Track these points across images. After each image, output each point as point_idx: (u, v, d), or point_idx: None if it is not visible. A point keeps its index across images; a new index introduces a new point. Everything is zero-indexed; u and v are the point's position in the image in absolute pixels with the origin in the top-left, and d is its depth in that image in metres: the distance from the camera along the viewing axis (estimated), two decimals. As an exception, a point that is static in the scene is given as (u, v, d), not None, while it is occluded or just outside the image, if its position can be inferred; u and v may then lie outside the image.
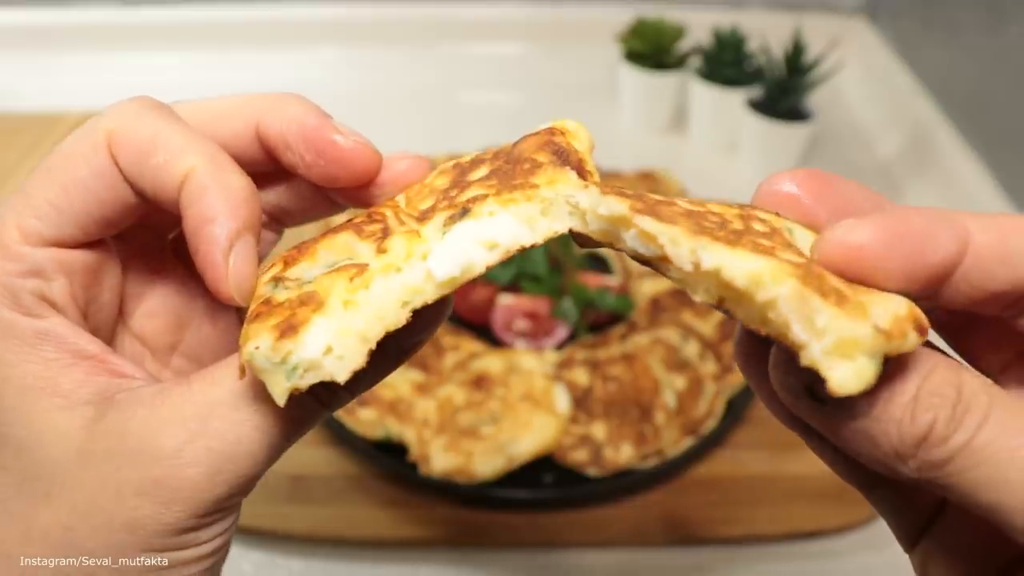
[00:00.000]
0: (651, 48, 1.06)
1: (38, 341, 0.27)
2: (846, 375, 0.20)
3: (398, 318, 0.25)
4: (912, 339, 0.21)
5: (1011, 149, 0.88)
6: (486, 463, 0.63)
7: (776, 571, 0.62)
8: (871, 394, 0.21)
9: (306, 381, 0.23)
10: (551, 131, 0.29)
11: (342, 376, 0.24)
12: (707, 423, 0.67)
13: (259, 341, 0.24)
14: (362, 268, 0.25)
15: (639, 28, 1.06)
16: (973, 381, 0.21)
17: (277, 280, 0.26)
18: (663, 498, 0.65)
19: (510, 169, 0.27)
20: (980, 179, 0.90)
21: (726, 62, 1.02)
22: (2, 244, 0.27)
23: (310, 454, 0.67)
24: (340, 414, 0.68)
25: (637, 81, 1.08)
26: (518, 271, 0.80)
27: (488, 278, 0.80)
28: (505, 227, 0.26)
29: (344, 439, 0.67)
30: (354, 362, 0.24)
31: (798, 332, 0.21)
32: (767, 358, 0.25)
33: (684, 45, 1.07)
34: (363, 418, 0.67)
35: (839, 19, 1.24)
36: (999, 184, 0.88)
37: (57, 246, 0.27)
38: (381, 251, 0.26)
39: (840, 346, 0.20)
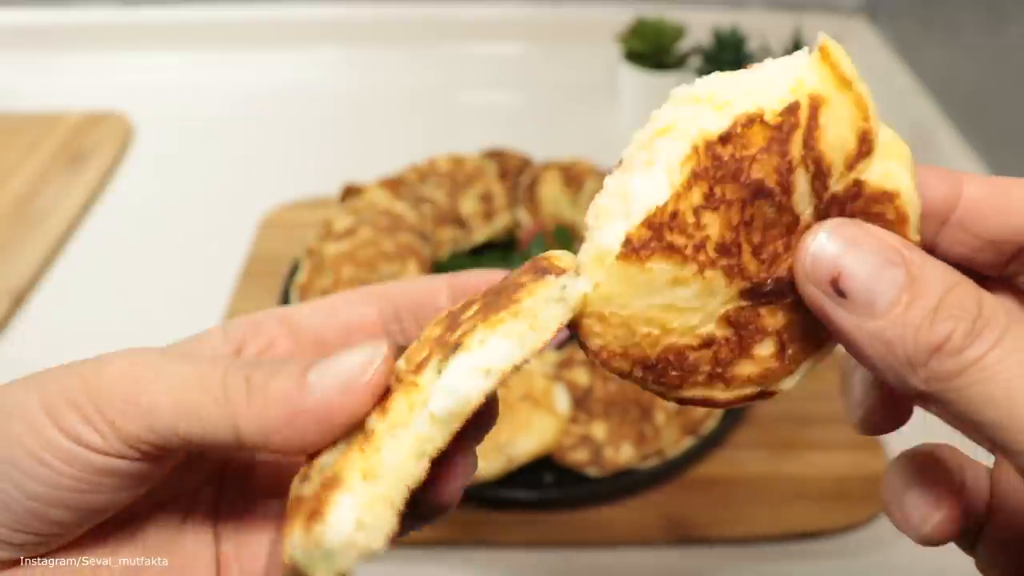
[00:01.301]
0: (651, 48, 1.06)
1: None
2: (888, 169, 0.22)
3: (417, 472, 0.24)
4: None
5: (1011, 149, 0.88)
6: (486, 463, 0.63)
7: (776, 571, 0.62)
8: (893, 297, 0.21)
9: (347, 561, 0.23)
10: (536, 258, 0.28)
11: (379, 544, 0.24)
12: (707, 423, 0.67)
13: (293, 537, 0.24)
14: (369, 434, 0.25)
15: (639, 28, 1.06)
16: (994, 301, 0.22)
17: (303, 477, 0.26)
18: (663, 498, 0.65)
19: (496, 299, 0.26)
20: (980, 179, 0.90)
21: (726, 62, 1.02)
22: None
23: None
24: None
25: (637, 81, 1.08)
26: (518, 271, 0.80)
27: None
28: (496, 350, 0.25)
29: (344, 439, 0.67)
30: (387, 527, 0.24)
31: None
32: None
33: (684, 45, 1.07)
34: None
35: (839, 19, 1.24)
36: (999, 184, 0.88)
37: None
38: (384, 412, 0.25)
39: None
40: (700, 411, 0.68)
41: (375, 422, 0.25)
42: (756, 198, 0.23)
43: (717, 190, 0.23)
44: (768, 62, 0.24)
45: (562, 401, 0.67)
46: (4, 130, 1.10)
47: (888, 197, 0.23)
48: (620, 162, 0.26)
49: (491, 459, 0.63)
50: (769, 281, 0.24)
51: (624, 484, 0.65)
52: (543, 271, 0.26)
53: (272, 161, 1.08)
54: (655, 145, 0.25)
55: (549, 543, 0.63)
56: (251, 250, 0.90)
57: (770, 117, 0.23)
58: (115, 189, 1.02)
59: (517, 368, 0.25)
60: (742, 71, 0.24)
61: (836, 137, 0.23)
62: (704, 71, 1.04)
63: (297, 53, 1.28)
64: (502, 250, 0.86)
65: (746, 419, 0.71)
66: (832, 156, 0.23)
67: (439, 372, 0.25)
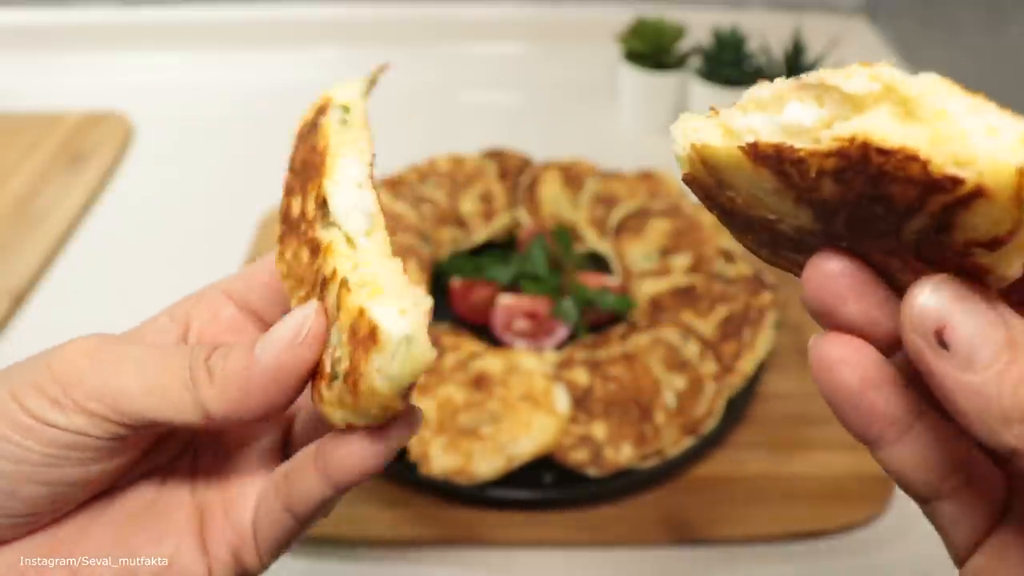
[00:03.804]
0: (651, 48, 1.06)
1: None
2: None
3: (397, 265, 0.28)
4: None
5: (1011, 149, 0.88)
6: (486, 463, 0.63)
7: (776, 571, 0.62)
8: (994, 354, 0.22)
9: (424, 343, 0.25)
10: (314, 111, 0.34)
11: (428, 303, 0.26)
12: (707, 423, 0.67)
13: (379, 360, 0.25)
14: (343, 283, 0.28)
15: (639, 28, 1.06)
16: None
17: (327, 384, 0.28)
18: (663, 498, 0.65)
19: (311, 156, 0.32)
20: (980, 179, 0.90)
21: (726, 62, 1.02)
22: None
23: (310, 454, 0.67)
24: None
25: (637, 81, 1.08)
26: (518, 271, 0.80)
27: (488, 278, 0.80)
28: (349, 166, 0.30)
29: (344, 439, 0.67)
30: (425, 301, 0.26)
31: (972, 139, 0.21)
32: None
33: (684, 45, 1.07)
34: (363, 418, 0.67)
35: (839, 19, 1.24)
36: (999, 184, 0.88)
37: None
38: (329, 273, 0.29)
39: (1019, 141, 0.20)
40: (700, 411, 0.68)
41: (330, 298, 0.28)
42: (874, 203, 0.23)
43: (848, 175, 0.23)
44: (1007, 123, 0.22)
45: (562, 401, 0.67)
46: (4, 130, 1.10)
47: (984, 271, 0.23)
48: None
49: (491, 459, 0.63)
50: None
51: (624, 484, 0.65)
52: (322, 111, 0.32)
53: (272, 161, 1.07)
54: (864, 99, 0.24)
55: (549, 543, 0.63)
56: (251, 250, 0.90)
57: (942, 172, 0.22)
58: (115, 189, 1.02)
59: (372, 167, 0.31)
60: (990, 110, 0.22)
61: (982, 217, 0.22)
62: (704, 71, 1.04)
63: (297, 53, 1.28)
64: (502, 250, 0.86)
65: (746, 419, 0.71)
66: (964, 223, 0.22)
67: (328, 216, 0.29)
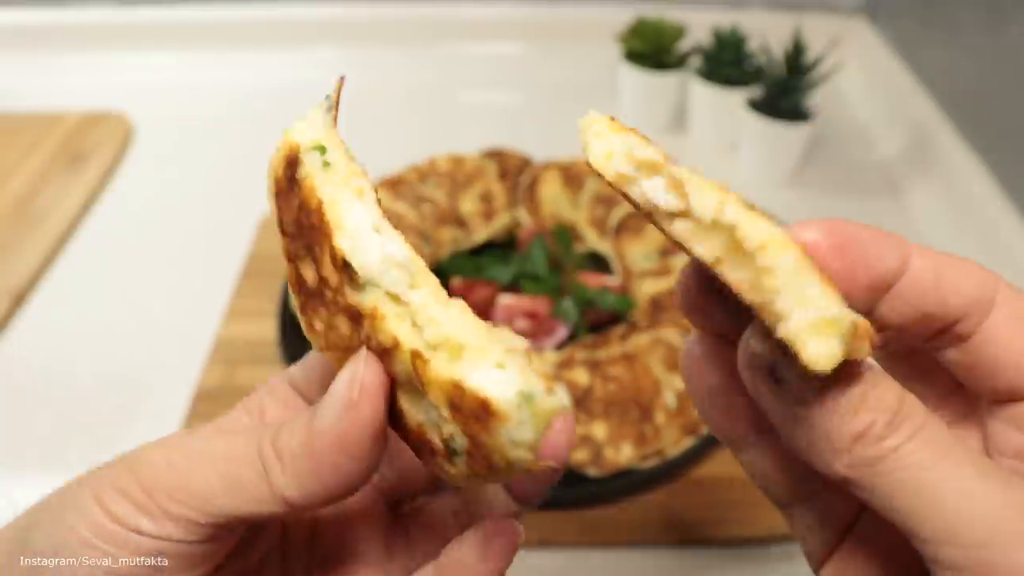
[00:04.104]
0: (651, 48, 1.06)
1: None
2: (819, 351, 0.21)
3: (460, 308, 0.25)
4: (866, 348, 0.22)
5: (1011, 149, 0.88)
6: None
7: (776, 571, 0.62)
8: (825, 387, 0.23)
9: (545, 399, 0.22)
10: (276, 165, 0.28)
11: (522, 343, 0.23)
12: (707, 423, 0.67)
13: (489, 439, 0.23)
14: (415, 354, 0.24)
15: (639, 28, 1.06)
16: (913, 400, 0.24)
17: (444, 457, 0.26)
18: (663, 498, 0.65)
19: (308, 220, 0.27)
20: (980, 179, 0.90)
21: (726, 62, 1.02)
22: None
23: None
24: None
25: (637, 81, 1.08)
26: (518, 271, 0.80)
27: (488, 278, 0.80)
28: (355, 213, 0.26)
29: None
30: (515, 340, 0.24)
31: (784, 302, 0.21)
32: (724, 352, 0.27)
33: (684, 45, 1.07)
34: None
35: (839, 19, 1.24)
36: (999, 184, 0.88)
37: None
38: (389, 350, 0.25)
39: (820, 324, 0.21)
40: (700, 411, 0.68)
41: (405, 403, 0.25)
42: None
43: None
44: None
45: (562, 401, 0.67)
46: (4, 130, 1.10)
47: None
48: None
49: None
50: None
51: (624, 484, 0.65)
52: (293, 163, 0.27)
53: (272, 161, 1.08)
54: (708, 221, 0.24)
55: (549, 543, 0.63)
56: (251, 250, 0.90)
57: None
58: (115, 189, 1.02)
59: (378, 200, 0.26)
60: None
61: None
62: (704, 71, 1.04)
63: (296, 53, 1.28)
64: (502, 250, 0.86)
65: (746, 419, 0.71)
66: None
67: (357, 277, 0.25)
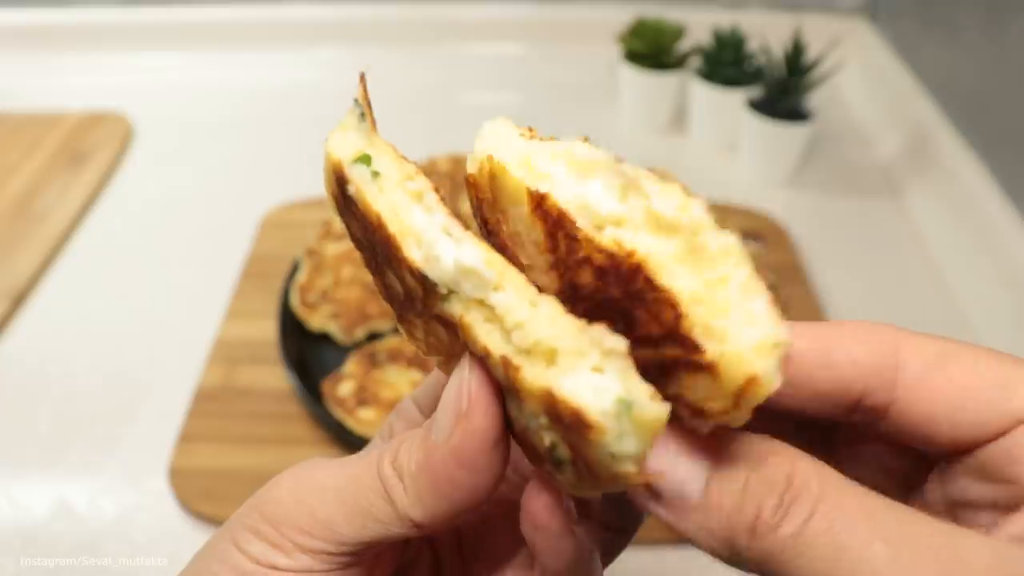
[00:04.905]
0: (651, 48, 1.06)
1: None
2: (766, 369, 0.20)
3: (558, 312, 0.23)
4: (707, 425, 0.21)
5: (1011, 149, 0.88)
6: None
7: (776, 571, 0.62)
8: (700, 487, 0.21)
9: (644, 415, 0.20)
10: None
11: (620, 342, 0.21)
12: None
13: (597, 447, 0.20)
14: (505, 362, 0.22)
15: (639, 28, 1.06)
16: (807, 467, 0.21)
17: (550, 467, 0.24)
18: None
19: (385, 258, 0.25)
20: (980, 179, 0.90)
21: (726, 62, 1.02)
22: None
23: (310, 454, 0.67)
24: (340, 414, 0.68)
25: (637, 81, 1.08)
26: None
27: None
28: (450, 247, 0.24)
29: (344, 439, 0.67)
30: (612, 340, 0.21)
31: (732, 323, 0.21)
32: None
33: (684, 45, 1.07)
34: (363, 418, 0.67)
35: (839, 19, 1.24)
36: (999, 184, 0.88)
37: None
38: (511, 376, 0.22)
39: (762, 346, 0.20)
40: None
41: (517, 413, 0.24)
42: (618, 314, 0.23)
43: (610, 278, 0.23)
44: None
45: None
46: (4, 130, 1.10)
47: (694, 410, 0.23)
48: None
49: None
50: None
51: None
52: (341, 181, 0.25)
53: (272, 161, 1.08)
54: (664, 220, 0.22)
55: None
56: (251, 250, 0.90)
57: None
58: (115, 189, 1.02)
59: (439, 195, 0.24)
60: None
61: (701, 389, 0.22)
62: (704, 71, 1.04)
63: (297, 53, 1.28)
64: (502, 250, 0.86)
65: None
66: (684, 380, 0.22)
67: (438, 287, 0.23)
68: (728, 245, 0.21)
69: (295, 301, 0.78)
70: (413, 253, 0.23)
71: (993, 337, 0.81)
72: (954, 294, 0.87)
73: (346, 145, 0.25)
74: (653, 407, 0.20)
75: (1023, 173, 0.85)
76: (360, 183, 0.24)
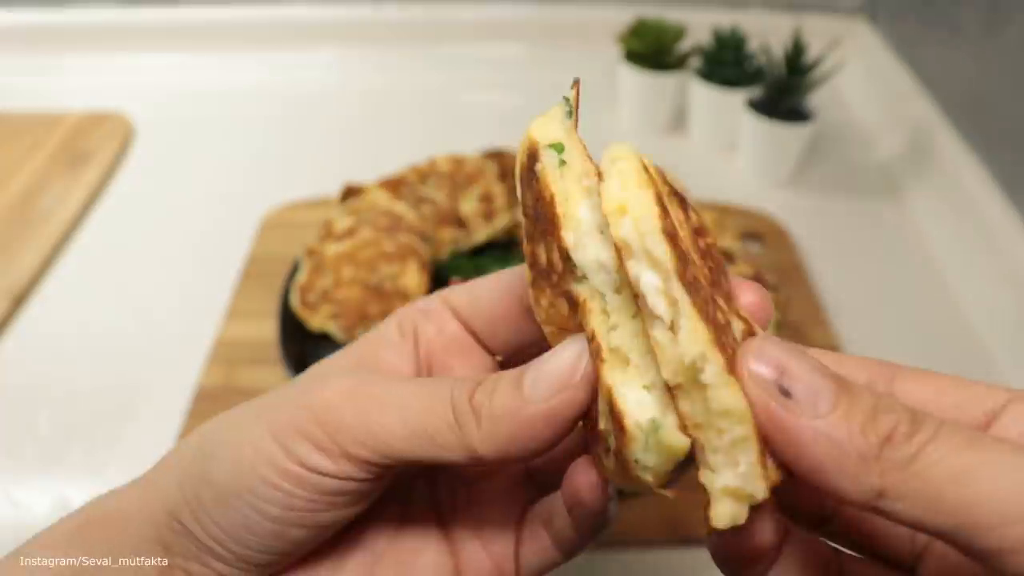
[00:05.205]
0: (651, 48, 1.06)
1: None
2: (724, 512, 0.24)
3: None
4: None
5: (1011, 149, 0.88)
6: (486, 463, 0.63)
7: (776, 571, 0.62)
8: (834, 398, 0.22)
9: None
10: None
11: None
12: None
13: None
14: (597, 350, 0.26)
15: (639, 28, 1.06)
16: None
17: (604, 450, 0.27)
18: (663, 498, 0.65)
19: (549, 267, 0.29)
20: (980, 179, 0.90)
21: (726, 62, 1.02)
22: None
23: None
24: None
25: (637, 81, 1.08)
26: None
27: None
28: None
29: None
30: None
31: (718, 461, 0.24)
32: None
33: (684, 45, 1.07)
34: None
35: (839, 19, 1.24)
36: (999, 184, 0.88)
37: None
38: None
39: (736, 491, 0.24)
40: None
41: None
42: None
43: None
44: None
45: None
46: (4, 130, 1.10)
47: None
48: None
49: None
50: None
51: (624, 484, 0.65)
52: (533, 157, 0.28)
53: (272, 161, 1.08)
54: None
55: (549, 543, 0.63)
56: (251, 250, 0.90)
57: None
58: (115, 189, 1.02)
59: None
60: None
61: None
62: (704, 71, 1.04)
63: (297, 53, 1.28)
64: (502, 250, 0.86)
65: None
66: None
67: (576, 269, 0.27)
68: (733, 405, 0.23)
69: (295, 301, 0.78)
70: (568, 236, 0.27)
71: (993, 337, 0.81)
72: (954, 294, 0.87)
73: (547, 131, 0.28)
74: (676, 436, 0.24)
75: (1023, 173, 0.85)
76: (548, 165, 0.28)
